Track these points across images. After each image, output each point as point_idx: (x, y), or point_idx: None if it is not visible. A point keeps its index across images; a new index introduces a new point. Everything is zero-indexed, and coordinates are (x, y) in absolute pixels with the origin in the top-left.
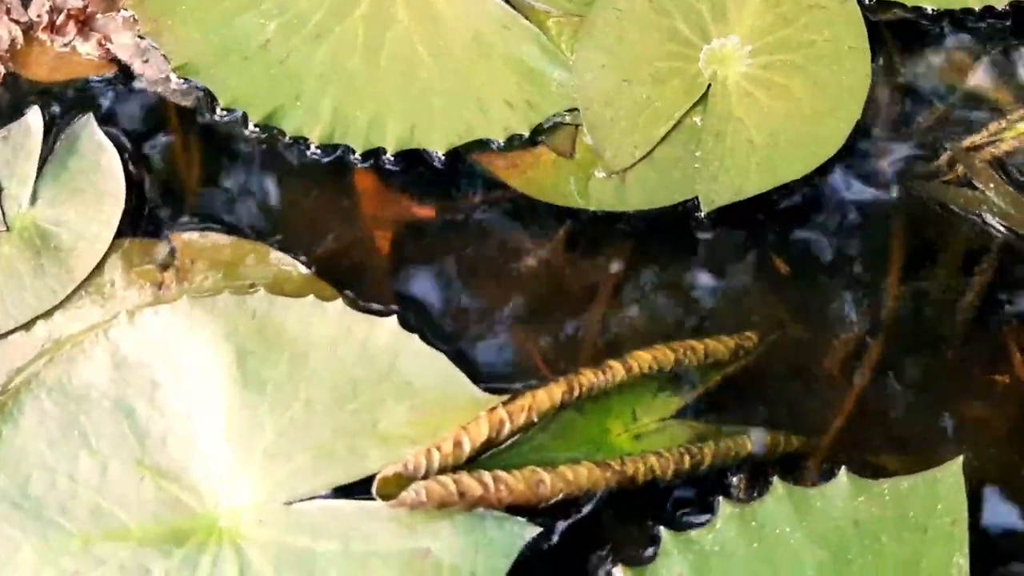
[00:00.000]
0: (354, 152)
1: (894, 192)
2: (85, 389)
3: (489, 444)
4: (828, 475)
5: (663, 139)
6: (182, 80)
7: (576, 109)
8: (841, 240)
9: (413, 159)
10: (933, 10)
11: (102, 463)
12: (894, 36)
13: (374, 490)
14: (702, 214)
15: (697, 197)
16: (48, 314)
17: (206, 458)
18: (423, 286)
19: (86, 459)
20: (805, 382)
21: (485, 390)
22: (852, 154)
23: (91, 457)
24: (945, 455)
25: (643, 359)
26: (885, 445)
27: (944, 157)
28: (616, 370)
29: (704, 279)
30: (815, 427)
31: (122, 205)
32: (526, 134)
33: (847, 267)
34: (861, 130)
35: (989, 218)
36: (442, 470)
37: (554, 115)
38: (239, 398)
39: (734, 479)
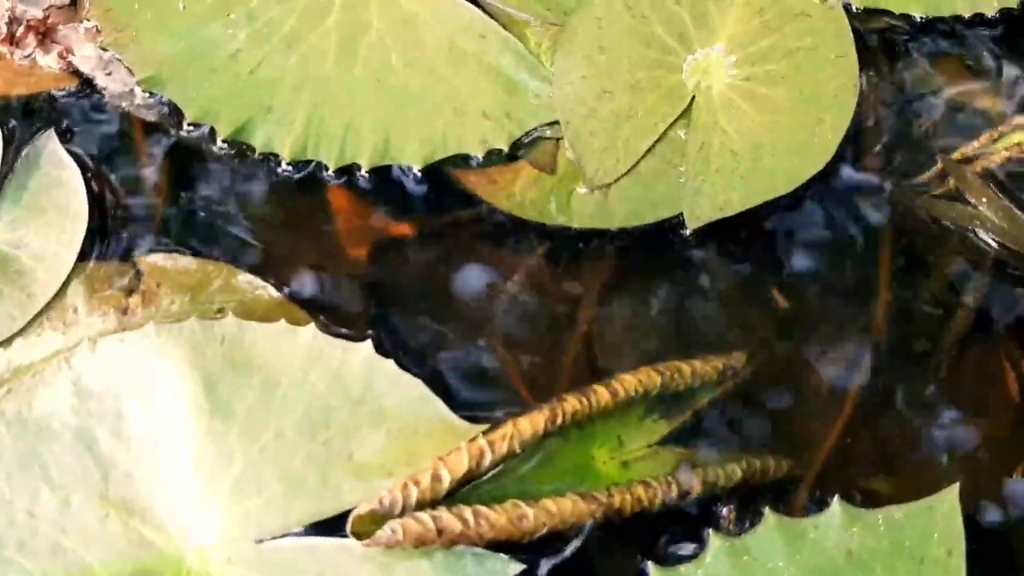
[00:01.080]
0: (327, 168)
1: (883, 206)
2: (46, 420)
3: (469, 476)
4: (820, 502)
5: (647, 152)
6: (147, 93)
7: (557, 122)
8: (829, 256)
9: (389, 175)
10: (921, 18)
11: (64, 498)
12: (882, 44)
13: (348, 528)
14: (688, 231)
15: (682, 213)
16: (7, 342)
17: (173, 492)
18: (399, 308)
19: (47, 494)
20: (794, 403)
21: (464, 418)
22: (840, 166)
23: (52, 492)
24: (939, 477)
25: (628, 383)
26: (877, 467)
27: (934, 169)
28: (601, 395)
29: (690, 297)
30: (805, 449)
31: (85, 226)
32: (505, 148)
33: (836, 283)
34: (849, 141)
35: (981, 232)
36: (420, 505)
37: (534, 128)
38: (207, 428)
39: (724, 509)
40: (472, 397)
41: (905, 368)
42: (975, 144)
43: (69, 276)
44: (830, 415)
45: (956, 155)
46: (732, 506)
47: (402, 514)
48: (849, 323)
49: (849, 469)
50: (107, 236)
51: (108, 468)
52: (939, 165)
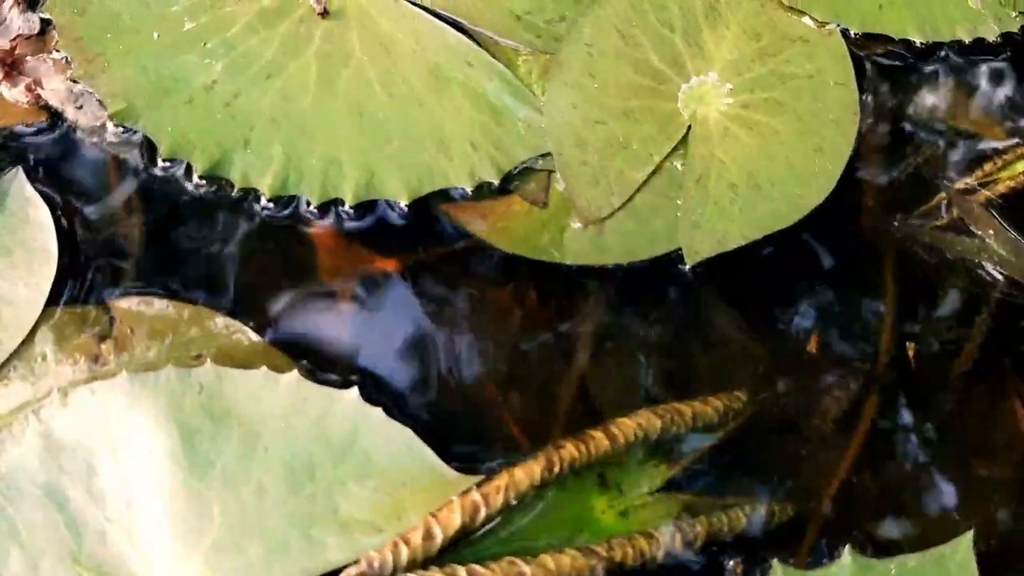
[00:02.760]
0: (309, 204)
1: (886, 238)
2: (13, 476)
3: (463, 532)
4: (827, 549)
5: (642, 185)
6: (120, 127)
7: (548, 154)
8: (832, 291)
9: (374, 210)
10: (921, 43)
11: (33, 560)
12: (880, 71)
13: None
14: (687, 267)
15: (680, 248)
16: None
17: (148, 554)
18: (386, 351)
19: (15, 555)
20: (798, 444)
21: (457, 468)
22: (840, 198)
23: (21, 552)
24: (949, 521)
25: (627, 427)
26: (885, 511)
27: (937, 199)
28: (599, 441)
29: (689, 336)
30: (810, 493)
31: (54, 268)
32: (495, 181)
33: (838, 319)
34: (849, 172)
35: (988, 265)
36: (410, 566)
37: (525, 160)
38: (184, 483)
39: (730, 563)
40: (464, 446)
41: (911, 406)
42: (979, 173)
43: (37, 322)
44: (835, 457)
45: (959, 185)
46: (739, 558)
47: (392, 575)
48: (853, 360)
49: (856, 513)
50: (78, 278)
51: (80, 528)
52: (942, 195)
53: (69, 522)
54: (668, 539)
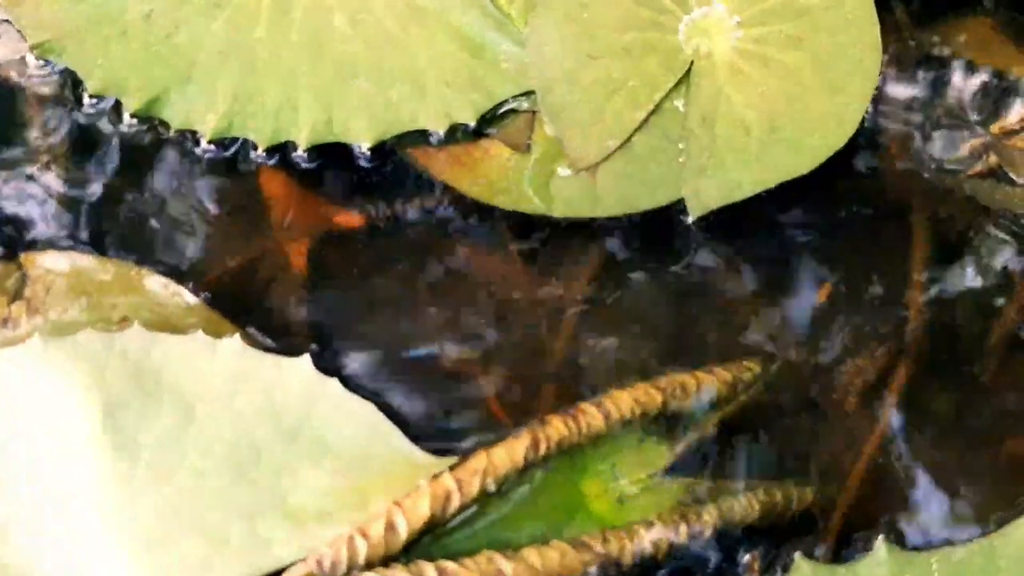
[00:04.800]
0: (256, 148)
1: (915, 188)
2: None
3: (432, 523)
4: (853, 541)
5: (640, 127)
6: (42, 61)
7: (532, 92)
8: (854, 247)
9: (332, 155)
10: None
11: None
12: (904, 3)
13: None
14: (690, 219)
15: (683, 198)
16: None
17: (66, 551)
18: (345, 317)
19: None
20: (817, 420)
21: (426, 449)
22: (862, 143)
23: None
24: (991, 507)
25: (623, 401)
26: (917, 497)
27: (969, 145)
28: (591, 416)
29: (693, 298)
30: (832, 476)
31: None
32: (472, 123)
33: (861, 279)
34: (871, 114)
35: None
36: (370, 563)
37: (506, 100)
38: (107, 467)
39: (745, 557)
40: (435, 423)
41: (943, 375)
42: (1017, 114)
43: None
44: (859, 434)
45: (995, 128)
46: (756, 552)
47: (348, 575)
48: (878, 325)
49: (884, 498)
50: None
51: None
52: (978, 139)
53: None
54: (672, 530)
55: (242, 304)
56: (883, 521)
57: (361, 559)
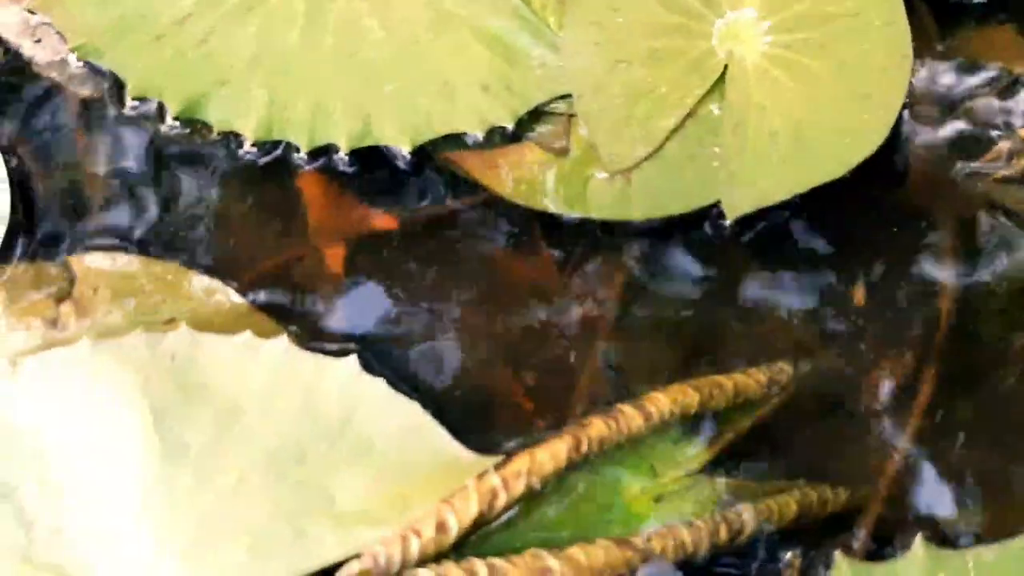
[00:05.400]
0: (298, 150)
1: (942, 193)
2: None
3: (480, 522)
4: (887, 540)
5: (673, 132)
6: (82, 63)
7: (569, 96)
8: (884, 251)
9: (371, 159)
10: None
11: None
12: (931, 9)
13: None
14: (726, 223)
15: (717, 202)
16: None
17: (114, 553)
18: (384, 319)
19: None
20: (848, 421)
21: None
22: (891, 148)
23: None
24: (1022, 506)
25: (662, 402)
26: (949, 496)
27: (997, 149)
28: (630, 417)
29: (726, 301)
30: (865, 477)
31: (6, 220)
32: (509, 126)
33: (891, 282)
34: (899, 119)
35: None
36: (422, 560)
37: (543, 103)
38: (154, 470)
39: (786, 555)
40: (476, 424)
41: (976, 377)
42: None
43: None
44: (890, 435)
45: (1023, 132)
46: (796, 551)
47: (400, 573)
48: (907, 328)
49: (916, 499)
50: (33, 232)
51: (30, 523)
52: (1005, 144)
53: (18, 517)
54: (712, 529)
55: (280, 306)
56: (916, 521)
57: (414, 556)
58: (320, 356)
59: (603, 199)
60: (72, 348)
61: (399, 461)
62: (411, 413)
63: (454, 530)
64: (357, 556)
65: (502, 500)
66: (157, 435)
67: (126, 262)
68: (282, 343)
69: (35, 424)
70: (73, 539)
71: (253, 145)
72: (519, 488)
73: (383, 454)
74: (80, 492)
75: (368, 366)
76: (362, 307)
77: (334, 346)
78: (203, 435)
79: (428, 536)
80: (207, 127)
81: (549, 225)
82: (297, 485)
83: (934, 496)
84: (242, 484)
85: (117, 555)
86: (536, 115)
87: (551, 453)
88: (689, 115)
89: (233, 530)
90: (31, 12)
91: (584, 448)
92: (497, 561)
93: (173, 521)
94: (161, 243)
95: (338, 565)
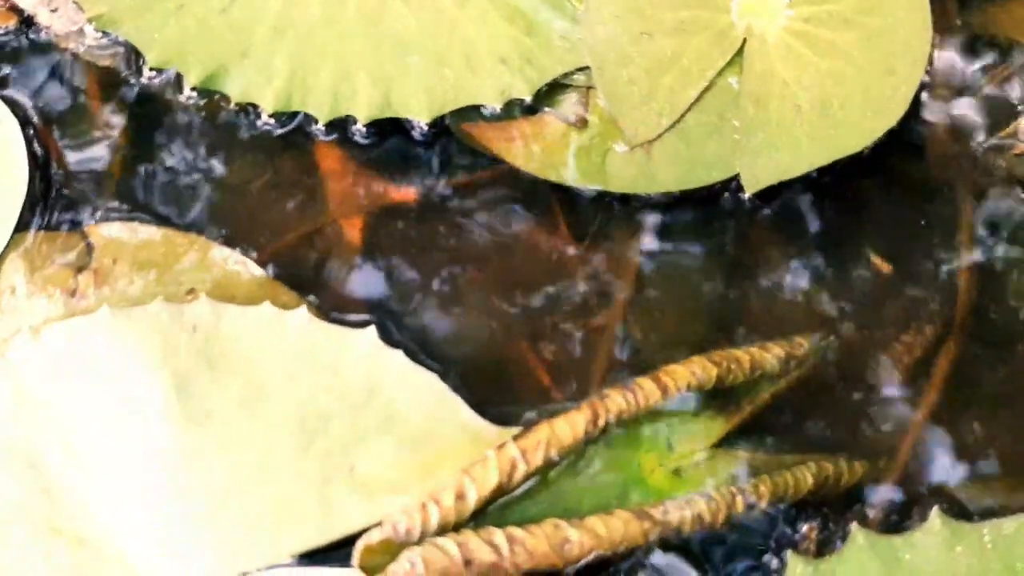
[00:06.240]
0: (316, 122)
1: (960, 167)
2: None
3: (499, 492)
4: (903, 513)
5: (694, 105)
6: (100, 33)
7: (588, 68)
8: (903, 225)
9: (388, 131)
10: None
11: (2, 530)
12: None
13: (355, 561)
14: (745, 196)
15: (736, 176)
16: None
17: (138, 520)
18: (402, 291)
19: None
20: (865, 395)
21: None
22: (910, 122)
23: None
24: None
25: (680, 375)
26: (967, 470)
27: (1015, 124)
28: (648, 390)
29: (744, 274)
30: (881, 450)
31: (24, 190)
32: (528, 99)
33: (910, 257)
34: (920, 93)
35: None
36: (441, 529)
37: (561, 75)
38: (178, 439)
39: (803, 527)
40: (493, 397)
41: (994, 351)
42: None
43: (5, 250)
44: (907, 410)
45: None
46: (813, 523)
47: (420, 541)
48: (925, 301)
49: (932, 472)
50: (51, 202)
51: (56, 491)
52: (1022, 118)
53: (43, 483)
54: (729, 501)
55: (298, 277)
56: (933, 494)
57: (434, 525)
58: (341, 327)
59: (622, 172)
60: (93, 317)
61: (421, 432)
62: (431, 385)
63: (474, 500)
64: (378, 524)
65: (521, 471)
66: (179, 404)
67: (146, 233)
68: (303, 314)
69: (58, 392)
70: (96, 506)
71: (271, 116)
72: (538, 459)
73: (405, 425)
74: (103, 460)
75: (384, 338)
76: (379, 279)
77: (352, 317)
78: (226, 404)
79: (448, 505)
80: (225, 98)
81: (567, 198)
82: (321, 454)
83: (951, 469)
84: (266, 453)
85: (139, 521)
86: (555, 88)
87: (570, 425)
88: (708, 88)
89: (257, 497)
90: None
91: (602, 421)
92: (516, 530)
93: (196, 489)
94: (178, 214)
95: (361, 533)
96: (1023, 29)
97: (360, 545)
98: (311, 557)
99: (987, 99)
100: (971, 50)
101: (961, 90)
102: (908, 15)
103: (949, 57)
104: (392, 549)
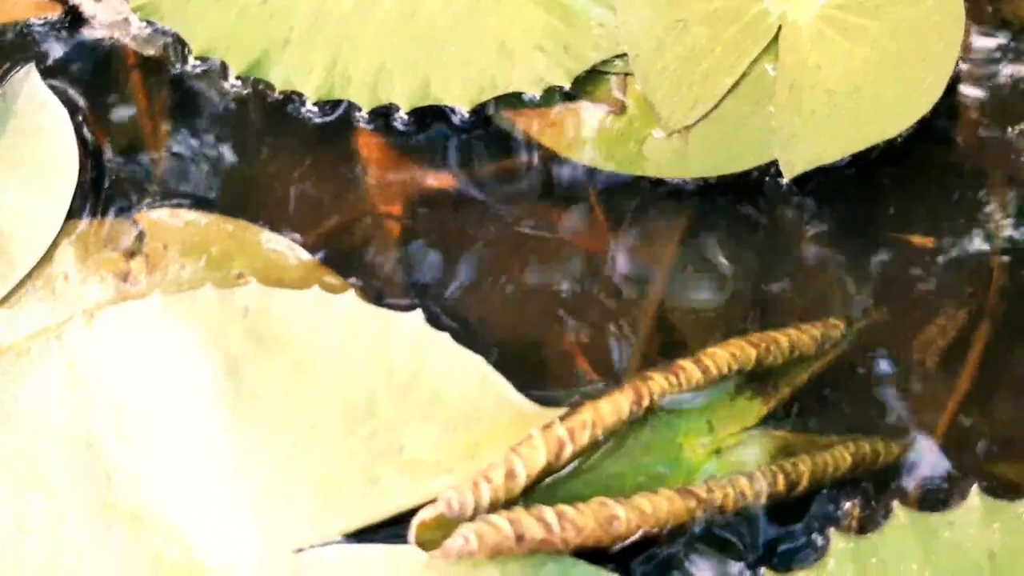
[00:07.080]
0: (359, 110)
1: (995, 152)
2: (34, 411)
3: (547, 471)
4: (940, 493)
5: (729, 92)
6: (144, 23)
7: (625, 55)
8: (936, 210)
9: (428, 118)
10: None
11: (59, 508)
12: None
13: (411, 538)
14: (783, 181)
15: (773, 161)
16: None
17: (190, 499)
18: (442, 274)
19: (38, 499)
20: (900, 377)
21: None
22: (944, 108)
23: (45, 500)
24: None
25: (720, 358)
26: (1003, 449)
27: None
28: (690, 372)
29: (780, 258)
30: (917, 431)
31: (75, 178)
32: (567, 86)
33: (943, 241)
34: (953, 79)
35: None
36: (492, 506)
37: (599, 63)
38: (229, 420)
39: (845, 505)
40: (533, 380)
41: None
42: None
43: (57, 237)
44: (942, 391)
45: None
46: (855, 501)
47: (472, 517)
48: (959, 283)
49: (970, 452)
50: (102, 189)
51: (110, 470)
52: None
53: (98, 462)
54: (770, 480)
55: (341, 262)
56: (971, 473)
57: (485, 502)
58: (387, 311)
59: (659, 158)
60: (145, 301)
61: (466, 412)
62: (476, 366)
63: (522, 478)
64: (432, 501)
65: (568, 450)
66: (230, 386)
67: (195, 219)
68: (351, 298)
69: (112, 375)
70: (150, 485)
71: (315, 104)
72: (584, 438)
73: (451, 405)
74: (155, 440)
75: (436, 321)
76: (419, 264)
77: (395, 301)
78: (276, 387)
79: (498, 483)
80: (269, 86)
81: (607, 183)
82: (369, 435)
83: (988, 449)
84: (314, 434)
85: (191, 501)
86: (592, 75)
87: (614, 406)
88: (744, 75)
89: (305, 478)
90: None
91: (645, 402)
92: (565, 508)
93: (247, 468)
94: (224, 200)
95: (408, 512)
96: None
97: (416, 521)
98: (358, 536)
99: (1020, 85)
100: (1004, 36)
101: (994, 76)
102: (941, 2)
103: (982, 44)
104: (445, 525)
